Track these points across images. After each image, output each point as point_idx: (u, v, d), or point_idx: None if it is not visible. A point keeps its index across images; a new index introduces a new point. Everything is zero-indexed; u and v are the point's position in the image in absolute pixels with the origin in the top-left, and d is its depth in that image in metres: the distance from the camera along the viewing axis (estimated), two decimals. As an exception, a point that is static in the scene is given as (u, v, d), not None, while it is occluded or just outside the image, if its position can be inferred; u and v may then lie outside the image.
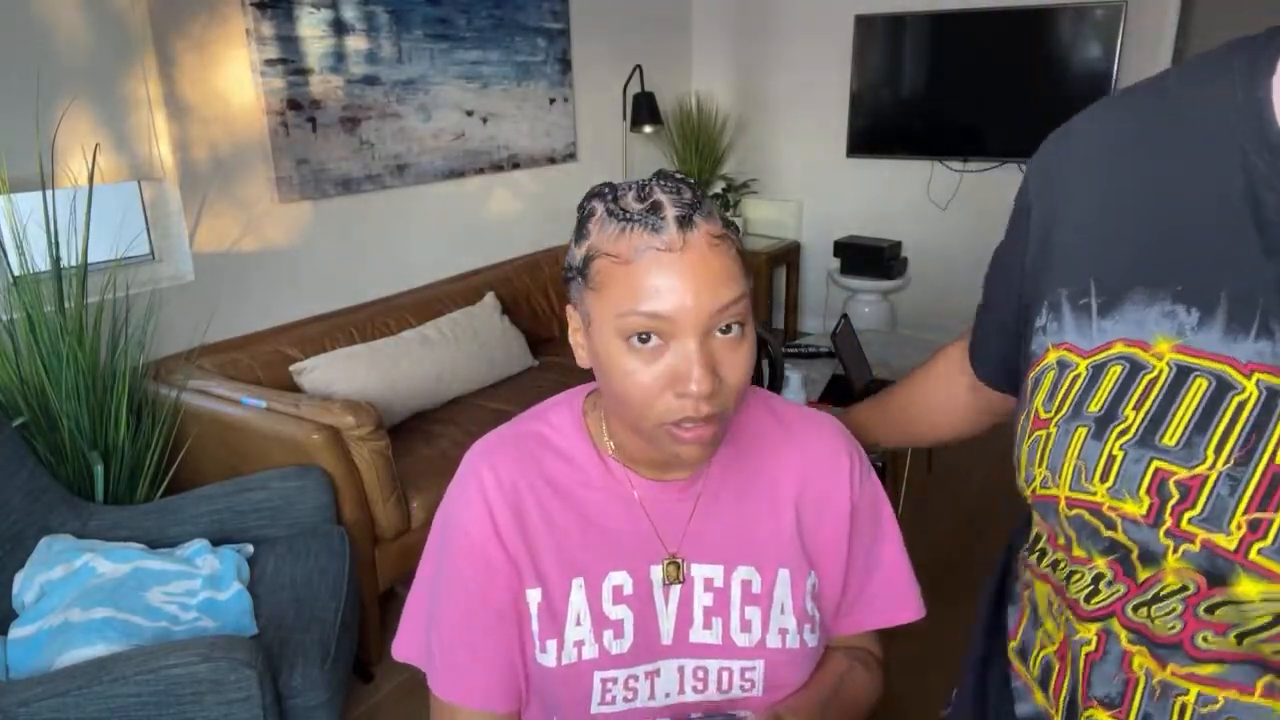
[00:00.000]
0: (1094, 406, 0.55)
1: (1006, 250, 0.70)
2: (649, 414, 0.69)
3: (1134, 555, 0.53)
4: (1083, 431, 0.55)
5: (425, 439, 2.53)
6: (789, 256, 4.60)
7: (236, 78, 2.53)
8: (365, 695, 2.09)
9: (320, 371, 2.51)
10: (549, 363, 3.15)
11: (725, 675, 0.80)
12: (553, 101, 3.75)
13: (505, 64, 3.47)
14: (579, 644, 0.77)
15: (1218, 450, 0.49)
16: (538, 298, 3.49)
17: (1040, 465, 0.58)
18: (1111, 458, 0.53)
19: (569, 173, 3.91)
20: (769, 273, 4.55)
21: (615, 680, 0.78)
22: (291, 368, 2.51)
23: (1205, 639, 0.52)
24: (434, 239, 3.26)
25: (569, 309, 0.75)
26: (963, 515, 2.86)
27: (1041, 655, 0.65)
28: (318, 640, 1.61)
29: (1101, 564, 0.55)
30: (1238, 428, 0.49)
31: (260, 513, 1.90)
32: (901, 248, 4.23)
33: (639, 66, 4.07)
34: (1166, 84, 0.58)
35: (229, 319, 2.58)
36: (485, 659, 0.79)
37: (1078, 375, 0.57)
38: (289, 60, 2.65)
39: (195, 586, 1.63)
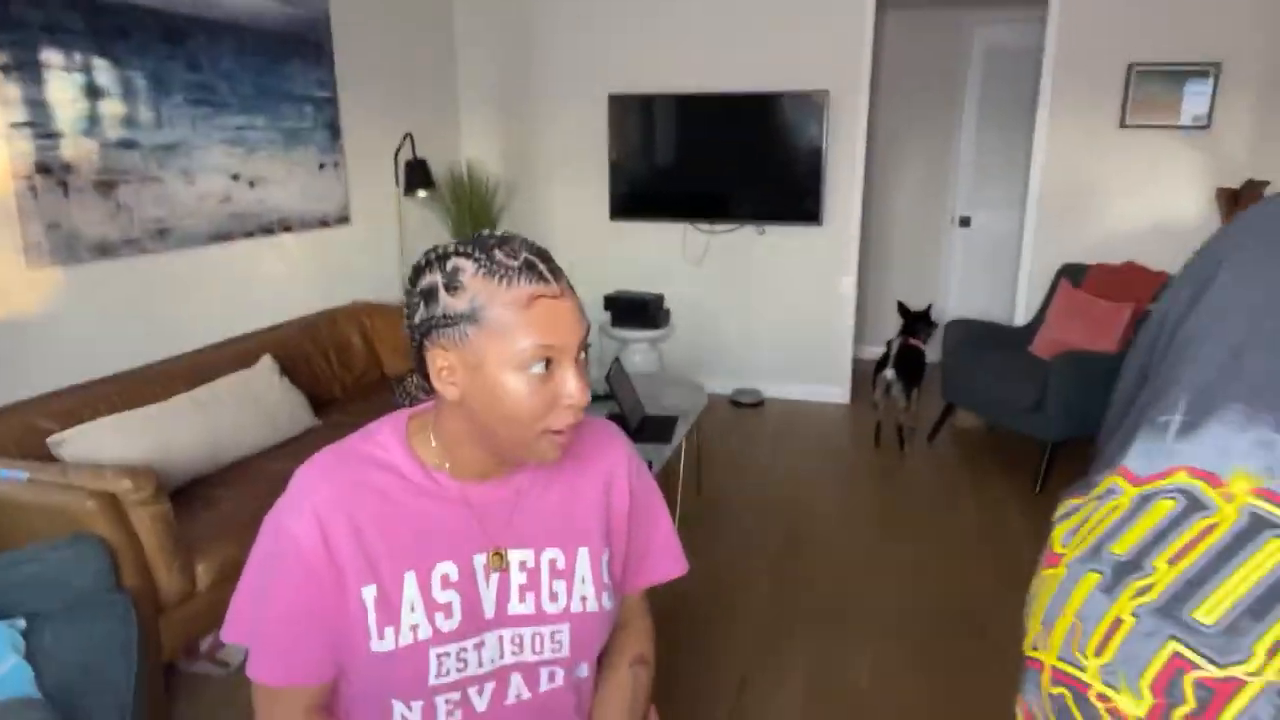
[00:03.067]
0: (1119, 547, 0.40)
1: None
2: (536, 425, 0.86)
3: None
4: (1092, 579, 0.40)
5: (206, 503, 2.48)
6: (563, 312, 4.88)
7: (-23, 139, 2.40)
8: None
9: (82, 442, 2.39)
10: (332, 421, 3.15)
11: (538, 639, 0.98)
12: (323, 166, 3.80)
13: (272, 129, 3.49)
14: (414, 627, 0.91)
15: (1272, 651, 0.33)
16: (317, 359, 3.48)
17: (1035, 616, 0.43)
18: (1118, 622, 0.37)
19: (342, 235, 3.96)
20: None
21: (448, 654, 0.93)
22: (50, 439, 2.37)
23: None
24: (203, 303, 3.18)
25: (438, 352, 0.86)
26: (732, 536, 3.21)
27: None
28: (112, 705, 1.57)
29: None
30: None
31: (31, 586, 1.80)
32: (664, 300, 4.66)
33: (409, 134, 4.22)
34: None
35: (-28, 393, 2.39)
36: (302, 649, 0.91)
37: (1117, 506, 0.42)
38: (37, 123, 2.54)
39: (-36, 665, 1.53)
